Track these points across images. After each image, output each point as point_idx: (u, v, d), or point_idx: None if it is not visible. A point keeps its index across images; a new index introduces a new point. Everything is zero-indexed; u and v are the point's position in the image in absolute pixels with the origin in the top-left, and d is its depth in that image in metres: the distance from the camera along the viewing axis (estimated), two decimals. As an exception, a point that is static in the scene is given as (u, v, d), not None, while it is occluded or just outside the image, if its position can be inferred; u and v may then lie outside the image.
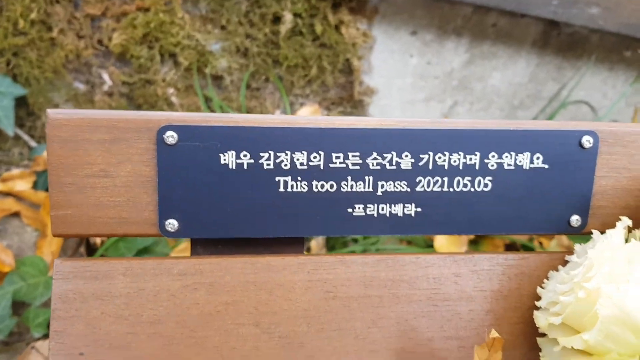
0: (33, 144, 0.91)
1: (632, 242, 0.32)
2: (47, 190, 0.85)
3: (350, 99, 1.08)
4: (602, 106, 1.15)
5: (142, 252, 0.72)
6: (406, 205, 0.33)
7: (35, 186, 0.85)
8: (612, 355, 0.30)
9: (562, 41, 1.09)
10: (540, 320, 0.32)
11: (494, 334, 0.29)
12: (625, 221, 0.33)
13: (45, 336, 0.78)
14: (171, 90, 0.97)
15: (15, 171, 0.86)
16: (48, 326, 0.75)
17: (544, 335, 0.33)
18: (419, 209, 0.34)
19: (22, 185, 0.83)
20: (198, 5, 0.93)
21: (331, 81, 1.05)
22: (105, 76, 0.94)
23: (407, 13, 1.01)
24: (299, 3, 0.94)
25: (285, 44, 0.98)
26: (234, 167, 0.31)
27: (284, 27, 0.95)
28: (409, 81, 1.10)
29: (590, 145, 0.34)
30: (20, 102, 0.90)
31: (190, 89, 0.98)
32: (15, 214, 0.81)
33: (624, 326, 0.30)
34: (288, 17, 0.94)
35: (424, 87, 1.11)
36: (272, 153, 0.31)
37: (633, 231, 0.34)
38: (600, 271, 0.31)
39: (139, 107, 0.99)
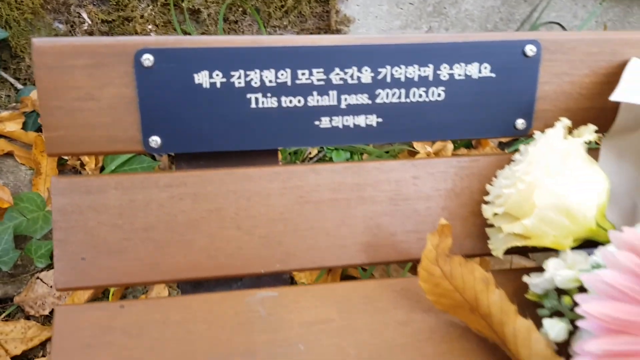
0: (19, 86, 0.93)
1: (568, 140, 0.36)
2: (36, 130, 0.87)
3: (328, 29, 1.09)
4: (573, 26, 1.17)
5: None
6: (368, 116, 0.37)
7: (24, 127, 0.87)
8: (549, 237, 0.35)
9: (533, -38, 1.09)
10: (487, 212, 0.36)
11: (443, 221, 0.33)
12: (564, 122, 0.37)
13: (49, 267, 0.83)
14: (150, 27, 0.98)
15: (4, 113, 0.88)
16: (51, 257, 0.79)
17: (491, 225, 0.37)
18: (379, 119, 0.37)
19: (12, 127, 0.85)
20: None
21: (308, 11, 1.05)
22: (84, 15, 0.94)
23: (381, -62, 1.01)
24: None
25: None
26: (207, 86, 0.34)
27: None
28: (384, 9, 1.11)
29: (534, 53, 0.37)
30: (2, 46, 0.91)
31: (168, 24, 0.99)
32: (9, 154, 0.84)
33: (558, 212, 0.34)
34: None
35: (399, 14, 1.12)
36: (242, 72, 0.34)
37: (573, 131, 0.37)
38: (538, 165, 0.35)
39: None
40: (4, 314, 0.80)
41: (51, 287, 0.85)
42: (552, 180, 0.34)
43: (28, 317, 0.82)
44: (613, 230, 0.30)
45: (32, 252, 0.78)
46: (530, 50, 0.37)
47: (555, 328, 0.33)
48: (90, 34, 0.96)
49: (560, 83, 0.38)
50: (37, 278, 0.84)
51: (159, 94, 0.34)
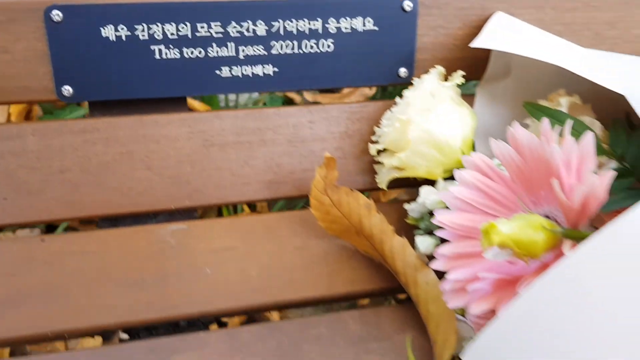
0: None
1: (440, 84, 0.41)
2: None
3: None
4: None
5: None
6: (264, 66, 0.41)
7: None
8: (422, 168, 0.40)
9: None
10: (372, 149, 0.41)
11: (327, 154, 0.38)
12: (438, 69, 0.42)
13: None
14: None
15: None
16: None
17: (378, 162, 0.42)
18: (275, 69, 0.41)
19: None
20: None
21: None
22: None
23: None
24: None
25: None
26: (114, 39, 0.38)
27: None
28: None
29: (411, 8, 0.42)
30: None
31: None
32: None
33: (429, 145, 0.40)
34: None
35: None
36: (145, 25, 0.38)
37: (449, 77, 0.43)
38: (412, 107, 0.40)
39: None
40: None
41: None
42: (422, 118, 0.39)
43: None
44: (464, 155, 0.35)
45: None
46: (407, 5, 0.42)
47: (425, 243, 0.38)
48: None
49: (436, 35, 0.43)
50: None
51: (69, 46, 0.37)
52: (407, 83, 0.44)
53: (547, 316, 0.26)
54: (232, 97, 0.83)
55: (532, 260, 0.30)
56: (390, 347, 0.37)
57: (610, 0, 0.46)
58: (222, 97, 0.81)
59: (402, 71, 0.43)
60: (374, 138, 0.42)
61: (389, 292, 0.41)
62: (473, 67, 0.45)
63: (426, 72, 0.42)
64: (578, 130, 0.36)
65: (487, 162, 0.34)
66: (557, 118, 0.37)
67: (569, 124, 0.31)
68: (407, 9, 0.42)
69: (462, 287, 0.32)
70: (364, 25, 0.42)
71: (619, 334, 0.26)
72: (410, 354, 0.36)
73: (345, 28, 0.41)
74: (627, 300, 0.26)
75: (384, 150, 0.41)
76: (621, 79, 0.36)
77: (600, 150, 0.36)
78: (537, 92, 0.43)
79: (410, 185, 0.43)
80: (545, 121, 0.31)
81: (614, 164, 0.36)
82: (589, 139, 0.29)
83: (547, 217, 0.32)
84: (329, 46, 0.42)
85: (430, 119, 0.39)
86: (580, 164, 0.29)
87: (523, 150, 0.32)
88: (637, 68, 0.39)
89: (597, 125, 0.37)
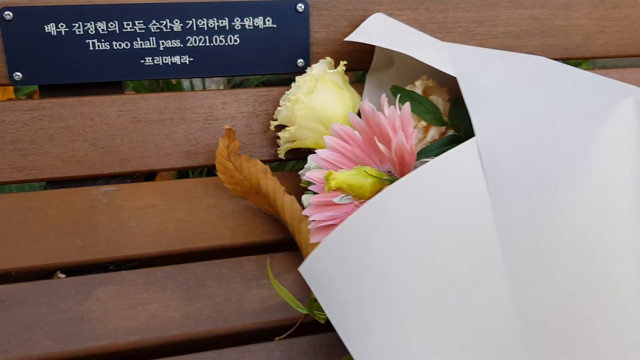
0: None
1: (326, 71, 0.50)
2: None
3: None
4: None
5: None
6: (181, 56, 0.50)
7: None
8: (310, 139, 0.49)
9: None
10: (272, 125, 0.50)
11: (227, 126, 0.47)
12: (327, 60, 0.51)
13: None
14: None
15: None
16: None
17: (277, 137, 0.51)
18: (191, 59, 0.50)
19: None
20: None
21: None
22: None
23: None
24: None
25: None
26: (55, 34, 0.47)
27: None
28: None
29: (303, 9, 0.51)
30: None
31: None
32: None
33: (314, 121, 0.48)
34: None
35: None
36: (80, 23, 0.47)
37: (340, 66, 0.51)
38: (300, 89, 0.49)
39: None
40: None
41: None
42: (307, 98, 0.48)
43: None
44: (331, 126, 0.44)
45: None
46: (300, 7, 0.51)
47: (309, 199, 0.47)
48: None
49: (327, 32, 0.52)
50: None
51: (19, 40, 0.46)
52: (303, 72, 0.53)
53: (362, 238, 0.35)
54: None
55: (363, 200, 0.39)
56: (262, 283, 0.46)
57: (477, 2, 0.55)
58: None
59: (300, 62, 0.52)
60: (275, 116, 0.51)
61: (283, 242, 0.49)
62: (362, 59, 0.54)
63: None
64: (425, 106, 0.45)
65: (345, 130, 0.43)
66: (411, 97, 0.46)
67: (398, 99, 0.39)
68: (300, 10, 0.51)
69: (321, 226, 0.41)
70: (265, 23, 0.51)
71: (415, 252, 0.34)
72: (270, 273, 0.45)
73: (249, 26, 0.50)
74: (420, 227, 0.34)
75: (282, 126, 0.50)
76: (461, 66, 0.45)
77: (442, 122, 0.45)
78: (414, 79, 0.52)
79: (306, 155, 0.52)
80: (383, 97, 0.39)
81: (451, 132, 0.45)
82: (406, 108, 0.38)
83: (390, 172, 0.41)
84: (235, 40, 0.51)
85: (314, 98, 0.48)
86: (403, 127, 0.38)
87: (368, 120, 0.41)
88: (480, 57, 0.48)
89: (440, 103, 0.46)
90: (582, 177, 0.33)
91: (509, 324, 0.32)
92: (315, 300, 0.40)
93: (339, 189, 0.38)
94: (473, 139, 0.35)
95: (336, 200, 0.39)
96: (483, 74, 0.42)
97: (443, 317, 0.33)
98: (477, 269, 0.33)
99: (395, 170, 0.39)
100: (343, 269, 0.35)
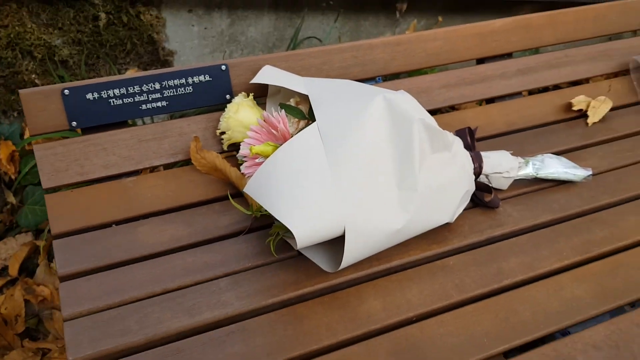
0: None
1: (242, 100, 0.91)
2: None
3: (159, 60, 1.61)
4: (324, 37, 1.78)
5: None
6: (161, 102, 0.90)
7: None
8: (239, 137, 0.90)
9: (285, 2, 1.68)
10: (217, 132, 0.91)
11: (195, 136, 0.87)
12: (242, 94, 0.92)
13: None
14: (33, 76, 1.44)
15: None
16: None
17: (222, 138, 0.92)
18: (166, 103, 0.91)
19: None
20: (40, 17, 1.40)
21: (142, 51, 1.56)
22: (-15, 74, 1.38)
23: (182, 0, 1.54)
24: (107, 5, 1.44)
25: (105, 32, 1.48)
26: (91, 99, 0.86)
27: (102, 22, 1.45)
28: (196, 42, 1.64)
29: (225, 69, 0.93)
30: None
31: (46, 72, 1.45)
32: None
33: (240, 126, 0.90)
34: (103, 15, 1.44)
35: (207, 45, 1.66)
36: (105, 91, 0.86)
37: (249, 96, 0.93)
38: (230, 110, 0.90)
39: (12, 92, 1.45)
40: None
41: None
42: (234, 115, 0.90)
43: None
44: (250, 127, 0.86)
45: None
46: (223, 67, 0.92)
47: (243, 166, 0.88)
48: (-9, 86, 1.40)
49: (240, 79, 0.94)
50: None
51: (72, 104, 0.85)
52: (230, 101, 0.94)
53: (269, 168, 0.76)
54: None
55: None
56: (228, 215, 0.87)
57: (320, 53, 0.99)
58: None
59: (227, 96, 0.94)
60: (218, 127, 0.92)
61: (233, 195, 0.90)
62: (262, 90, 0.96)
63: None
64: (296, 111, 0.88)
65: (256, 127, 0.84)
66: (289, 107, 0.88)
67: (284, 109, 0.82)
68: (223, 69, 0.93)
69: (250, 173, 0.82)
70: (205, 78, 0.92)
71: (294, 164, 0.76)
72: (233, 203, 0.86)
73: (197, 80, 0.92)
74: (294, 155, 0.76)
75: (222, 132, 0.91)
76: (311, 89, 0.88)
77: (305, 117, 0.88)
78: (290, 98, 0.94)
79: (238, 147, 0.93)
80: (271, 110, 0.82)
81: (310, 123, 0.88)
82: (283, 112, 0.81)
83: (280, 144, 0.83)
84: (190, 89, 0.92)
85: (238, 114, 0.90)
86: (283, 122, 0.81)
87: (267, 120, 0.83)
88: (320, 83, 0.91)
89: (304, 109, 0.89)
90: (360, 130, 0.76)
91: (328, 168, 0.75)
92: (256, 210, 0.81)
93: (257, 154, 0.80)
94: (315, 122, 0.78)
95: (257, 160, 0.81)
96: (320, 91, 0.85)
97: (317, 180, 0.75)
98: (320, 162, 0.75)
99: (281, 142, 0.82)
100: (263, 184, 0.77)
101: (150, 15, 1.51)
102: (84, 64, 1.48)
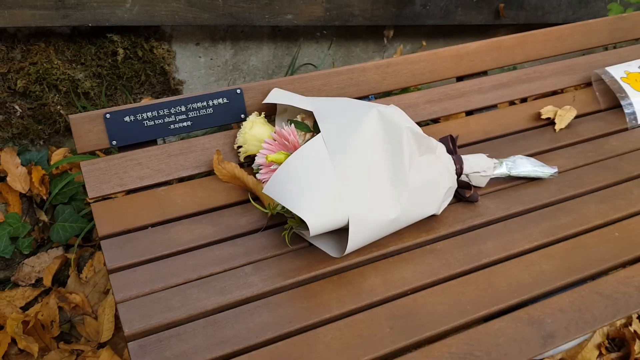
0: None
1: (256, 117, 1.07)
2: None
3: (170, 89, 1.77)
4: (319, 63, 1.95)
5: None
6: (186, 122, 1.06)
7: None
8: (254, 150, 1.05)
9: (283, 33, 1.86)
10: (235, 145, 1.06)
11: (217, 149, 1.02)
12: (255, 113, 1.08)
13: (31, 254, 1.41)
14: (59, 107, 1.59)
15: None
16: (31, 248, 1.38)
17: (239, 151, 1.07)
18: (190, 123, 1.06)
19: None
20: (65, 54, 1.55)
21: (155, 81, 1.72)
22: (17, 107, 1.54)
23: (190, 34, 1.71)
24: (125, 41, 1.60)
25: (122, 66, 1.64)
26: (129, 121, 1.01)
27: (120, 57, 1.61)
28: (202, 72, 1.80)
29: (240, 92, 1.08)
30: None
31: (70, 103, 1.61)
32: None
33: (254, 140, 1.05)
34: (121, 50, 1.60)
35: (212, 74, 1.82)
36: (140, 114, 1.02)
37: (261, 115, 1.08)
38: (246, 126, 1.05)
39: (39, 122, 1.60)
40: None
41: (32, 267, 1.43)
42: (250, 130, 1.05)
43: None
44: (264, 140, 1.01)
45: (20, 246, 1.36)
46: (238, 91, 1.08)
47: (258, 175, 1.03)
48: (22, 118, 1.55)
49: (253, 100, 1.10)
50: (23, 263, 1.42)
51: (113, 126, 1.00)
52: (245, 120, 1.10)
53: (283, 172, 0.91)
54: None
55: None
56: (247, 216, 1.01)
57: (321, 76, 1.15)
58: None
59: (242, 116, 1.10)
60: (235, 142, 1.07)
61: (249, 200, 1.05)
62: (272, 109, 1.11)
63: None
64: (302, 126, 1.03)
65: (269, 140, 1.00)
66: (296, 122, 1.04)
67: (293, 124, 0.97)
68: (238, 92, 1.08)
69: (266, 179, 0.97)
70: (223, 100, 1.08)
71: (306, 167, 0.91)
72: (255, 205, 1.00)
73: (216, 103, 1.07)
74: (305, 161, 0.91)
75: (240, 146, 1.06)
76: (315, 106, 1.03)
77: (310, 131, 1.03)
78: (297, 114, 1.10)
79: (253, 159, 1.08)
80: (283, 123, 0.97)
81: (315, 135, 1.03)
82: (293, 127, 0.96)
83: (290, 153, 0.98)
84: (210, 110, 1.07)
85: (253, 130, 1.05)
86: (292, 134, 0.96)
87: (279, 133, 0.98)
88: (322, 101, 1.06)
89: (309, 123, 1.04)
90: (358, 138, 0.91)
91: (333, 170, 0.90)
92: (273, 208, 0.96)
93: (272, 162, 0.95)
94: (320, 134, 0.93)
95: (272, 167, 0.96)
96: (323, 107, 1.01)
97: (324, 180, 0.90)
98: (325, 165, 0.90)
99: (292, 151, 0.97)
100: (279, 185, 0.91)
101: (162, 49, 1.67)
102: (104, 95, 1.64)
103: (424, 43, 2.08)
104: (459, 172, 1.03)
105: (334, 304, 0.84)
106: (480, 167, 1.05)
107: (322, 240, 0.94)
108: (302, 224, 0.91)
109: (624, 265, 0.94)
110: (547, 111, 1.28)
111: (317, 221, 0.84)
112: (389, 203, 0.90)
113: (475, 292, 0.86)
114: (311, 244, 0.94)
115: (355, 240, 0.88)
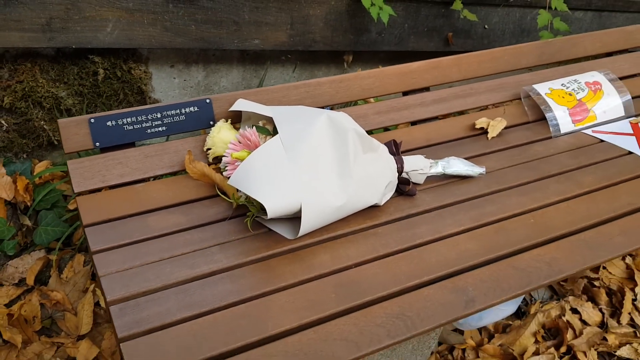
0: None
1: (222, 124, 1.22)
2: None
3: (146, 108, 1.90)
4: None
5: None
6: (161, 127, 1.21)
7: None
8: (221, 151, 1.20)
9: (251, 57, 2.03)
10: (204, 147, 1.21)
11: (189, 150, 1.17)
12: (222, 119, 1.23)
13: (15, 256, 1.52)
14: (42, 122, 1.72)
15: None
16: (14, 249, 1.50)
17: (207, 152, 1.22)
18: (165, 128, 1.21)
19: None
20: (49, 74, 1.69)
21: (132, 100, 1.87)
22: (2, 121, 1.67)
23: (165, 56, 1.87)
24: (105, 62, 1.75)
25: (102, 85, 1.78)
26: (111, 125, 1.15)
27: (100, 77, 1.75)
28: (177, 92, 1.96)
29: (209, 102, 1.24)
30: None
31: (53, 119, 1.74)
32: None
33: (221, 142, 1.20)
34: (101, 71, 1.75)
35: (186, 94, 1.98)
36: (121, 119, 1.16)
37: (228, 122, 1.24)
38: (214, 131, 1.20)
39: (23, 137, 1.72)
40: None
41: (16, 268, 1.54)
42: (218, 134, 1.20)
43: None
44: (230, 141, 1.16)
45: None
46: (207, 101, 1.24)
47: (224, 172, 1.18)
48: (8, 132, 1.68)
49: (221, 109, 1.25)
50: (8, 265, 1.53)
51: (96, 129, 1.14)
52: (214, 125, 1.25)
53: (246, 166, 1.06)
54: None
55: (246, 161, 1.11)
56: (214, 207, 1.16)
57: (282, 89, 1.31)
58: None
59: (211, 122, 1.25)
60: (205, 144, 1.22)
61: (218, 195, 1.19)
62: (239, 117, 1.27)
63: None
64: (263, 130, 1.19)
65: (234, 141, 1.15)
66: (258, 127, 1.19)
67: (255, 128, 1.13)
68: (207, 102, 1.24)
69: (230, 174, 1.12)
70: (194, 109, 1.23)
71: (265, 159, 1.06)
72: (225, 197, 1.15)
73: (188, 111, 1.22)
74: (262, 156, 1.06)
75: (209, 148, 1.21)
76: (274, 112, 1.19)
77: (270, 134, 1.18)
78: (259, 120, 1.25)
79: (221, 159, 1.23)
80: (246, 127, 1.13)
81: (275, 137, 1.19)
82: (254, 129, 1.12)
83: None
84: (183, 117, 1.22)
85: (220, 134, 1.20)
86: (254, 136, 1.12)
87: (243, 135, 1.13)
88: (281, 109, 1.22)
89: (270, 127, 1.20)
90: (310, 137, 1.07)
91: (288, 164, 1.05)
92: (236, 199, 1.10)
93: (236, 159, 1.10)
94: (278, 134, 1.09)
95: (236, 164, 1.12)
96: (281, 113, 1.17)
97: (280, 172, 1.05)
98: (281, 160, 1.05)
99: (253, 150, 1.12)
100: (242, 177, 1.06)
101: (140, 70, 1.82)
102: (85, 112, 1.78)
103: (380, 67, 2.27)
104: (400, 170, 1.20)
105: (288, 275, 0.98)
106: (418, 165, 1.22)
107: (279, 225, 1.09)
108: (261, 210, 1.06)
109: (537, 246, 1.10)
110: (480, 122, 1.47)
111: (275, 205, 0.99)
112: (336, 192, 1.05)
113: (409, 266, 1.02)
114: (270, 229, 1.09)
115: (307, 224, 1.03)
